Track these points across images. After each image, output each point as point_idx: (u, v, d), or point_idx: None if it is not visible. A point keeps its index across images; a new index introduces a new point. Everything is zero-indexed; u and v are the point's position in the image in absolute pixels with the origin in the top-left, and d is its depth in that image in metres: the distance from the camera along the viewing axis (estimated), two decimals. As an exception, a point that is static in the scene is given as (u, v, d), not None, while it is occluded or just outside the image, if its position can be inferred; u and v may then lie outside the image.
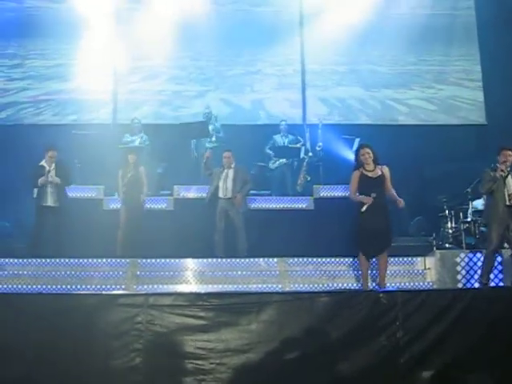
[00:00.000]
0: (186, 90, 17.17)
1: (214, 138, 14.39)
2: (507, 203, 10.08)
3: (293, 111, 16.91)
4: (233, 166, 12.33)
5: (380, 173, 10.06)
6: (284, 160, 14.54)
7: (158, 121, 16.41)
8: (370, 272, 10.41)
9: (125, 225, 12.15)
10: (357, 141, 14.38)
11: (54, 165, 12.08)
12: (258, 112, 17.11)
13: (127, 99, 16.86)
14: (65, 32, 16.65)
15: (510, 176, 10.23)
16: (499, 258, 10.59)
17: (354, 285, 10.89)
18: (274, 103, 17.08)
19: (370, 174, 10.04)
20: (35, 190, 12.20)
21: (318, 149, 14.66)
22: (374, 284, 10.42)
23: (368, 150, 10.09)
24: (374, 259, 10.36)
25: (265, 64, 17.46)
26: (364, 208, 9.87)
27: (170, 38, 16.48)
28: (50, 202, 11.88)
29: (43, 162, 12.08)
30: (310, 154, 14.55)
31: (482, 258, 10.61)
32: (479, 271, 10.58)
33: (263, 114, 17.02)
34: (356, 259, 10.91)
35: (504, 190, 10.13)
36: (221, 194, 12.18)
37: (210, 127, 14.39)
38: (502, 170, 10.13)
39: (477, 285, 10.48)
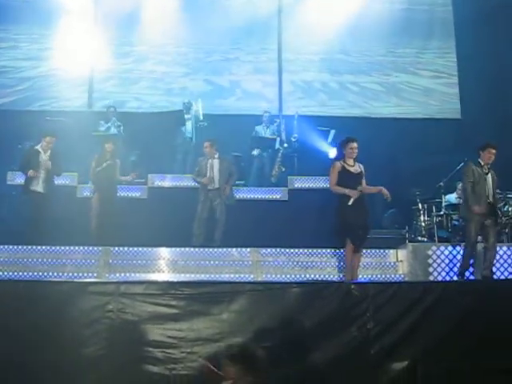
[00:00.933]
0: (165, 78, 17.11)
1: (190, 129, 14.34)
2: (489, 200, 10.16)
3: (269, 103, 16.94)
4: (216, 156, 12.24)
5: (359, 169, 10.08)
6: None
7: (134, 109, 16.33)
8: (338, 264, 10.47)
9: (98, 213, 12.09)
10: (332, 132, 14.44)
11: (49, 151, 11.89)
12: (234, 93, 17.18)
13: (103, 86, 16.78)
14: (41, 18, 16.55)
15: (490, 174, 10.30)
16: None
17: (326, 276, 10.92)
18: (250, 89, 17.11)
19: (351, 169, 10.02)
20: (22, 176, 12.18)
21: (293, 140, 14.67)
22: (341, 275, 10.49)
23: (356, 145, 10.08)
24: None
25: (242, 52, 17.45)
26: (351, 202, 9.84)
27: (151, 25, 16.46)
28: (39, 187, 11.69)
29: (38, 147, 11.91)
30: (286, 145, 14.55)
31: (454, 252, 10.71)
32: (451, 264, 10.67)
33: (241, 101, 17.04)
34: (328, 250, 10.95)
35: (485, 186, 10.19)
36: (208, 185, 12.09)
37: (188, 116, 14.33)
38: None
39: (448, 278, 10.55)
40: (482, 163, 10.30)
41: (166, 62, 17.19)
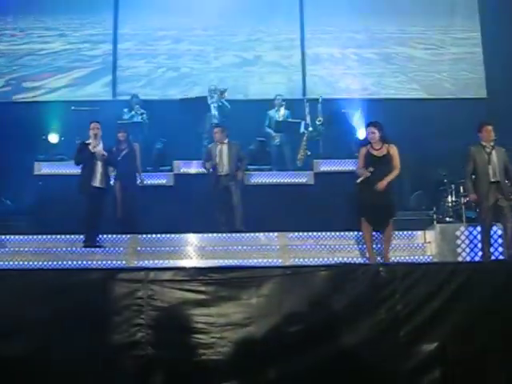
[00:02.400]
0: (186, 66, 17.10)
1: (216, 115, 14.34)
2: (491, 180, 10.10)
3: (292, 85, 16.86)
4: (226, 141, 12.28)
5: (385, 152, 10.05)
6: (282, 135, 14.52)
7: (159, 96, 16.36)
8: (365, 246, 10.46)
9: (121, 201, 12.15)
10: (357, 114, 14.37)
11: (101, 143, 11.59)
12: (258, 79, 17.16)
13: (127, 75, 16.82)
14: (63, 7, 16.64)
15: (494, 152, 10.24)
16: (499, 232, 10.60)
17: (354, 259, 10.92)
18: (272, 78, 17.02)
19: (375, 153, 10.06)
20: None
21: (317, 123, 14.61)
22: (378, 258, 10.46)
23: (373, 129, 10.09)
24: (378, 233, 10.39)
25: (265, 40, 17.39)
26: (359, 180, 9.93)
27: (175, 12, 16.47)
28: (98, 182, 11.41)
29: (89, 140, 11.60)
30: (310, 128, 14.50)
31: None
32: (479, 245, 10.62)
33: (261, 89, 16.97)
34: (356, 233, 10.95)
35: (488, 166, 10.14)
36: (218, 171, 12.14)
37: (214, 104, 14.34)
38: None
39: (477, 258, 10.50)
40: (484, 144, 10.27)
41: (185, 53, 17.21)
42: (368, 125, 10.36)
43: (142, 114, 14.25)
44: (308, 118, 14.65)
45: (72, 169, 12.88)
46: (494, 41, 16.86)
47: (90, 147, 11.41)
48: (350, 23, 17.13)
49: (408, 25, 17.51)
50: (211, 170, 12.16)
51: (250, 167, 13.38)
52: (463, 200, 12.27)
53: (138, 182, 12.55)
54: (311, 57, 17.27)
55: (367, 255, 10.48)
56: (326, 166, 13.78)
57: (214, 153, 12.21)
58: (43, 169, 13.63)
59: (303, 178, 13.69)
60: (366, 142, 10.40)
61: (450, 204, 12.72)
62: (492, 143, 10.30)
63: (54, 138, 14.52)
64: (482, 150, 10.28)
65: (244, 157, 12.42)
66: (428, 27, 17.57)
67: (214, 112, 14.32)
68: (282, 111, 14.75)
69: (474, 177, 10.42)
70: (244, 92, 16.85)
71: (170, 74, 17.03)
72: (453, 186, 12.72)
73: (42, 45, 17.12)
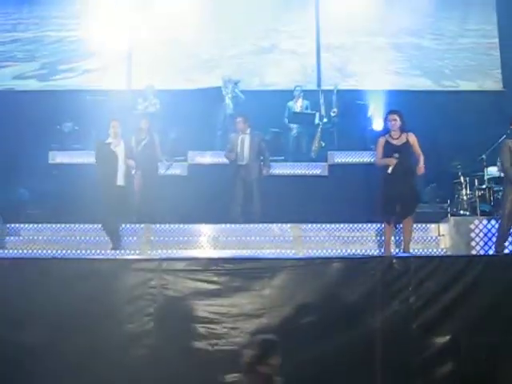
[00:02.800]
0: (200, 57, 17.06)
1: (230, 105, 14.34)
2: None
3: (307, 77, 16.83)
4: (248, 131, 12.27)
5: (405, 140, 10.04)
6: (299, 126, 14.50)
7: (173, 86, 16.33)
8: (379, 238, 10.44)
9: (139, 190, 12.17)
10: (372, 106, 14.34)
11: (122, 142, 11.25)
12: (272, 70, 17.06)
13: (142, 65, 16.80)
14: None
15: None
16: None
17: (368, 250, 10.90)
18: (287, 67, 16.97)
19: (394, 142, 10.03)
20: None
21: (332, 114, 14.59)
22: (397, 250, 10.45)
23: (395, 117, 10.07)
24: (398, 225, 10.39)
25: (281, 30, 17.34)
26: (390, 169, 9.86)
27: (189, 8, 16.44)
28: (121, 181, 11.05)
29: (110, 139, 11.23)
30: (325, 119, 14.48)
31: (496, 226, 10.58)
32: (494, 238, 10.56)
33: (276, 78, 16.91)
34: (369, 225, 10.94)
35: None
36: (238, 161, 12.13)
37: (229, 95, 14.34)
38: None
39: (491, 252, 10.46)
40: None
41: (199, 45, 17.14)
42: (389, 112, 10.28)
43: (155, 103, 14.24)
44: (323, 109, 14.63)
45: (86, 158, 12.96)
46: (510, 32, 16.74)
47: (112, 147, 11.11)
48: (364, 13, 17.02)
49: (423, 15, 17.37)
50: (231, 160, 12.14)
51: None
52: (478, 193, 12.21)
53: (164, 169, 12.61)
54: (326, 46, 17.17)
55: (383, 247, 10.44)
56: (340, 158, 13.76)
57: (235, 142, 12.19)
58: (58, 158, 13.68)
59: (317, 169, 13.68)
60: (384, 132, 10.36)
61: (464, 197, 12.66)
62: None
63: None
64: None
65: (265, 149, 12.35)
66: (441, 18, 17.46)
67: (228, 102, 14.32)
68: (300, 102, 14.74)
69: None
70: (260, 81, 16.77)
71: (186, 62, 16.96)
72: (467, 178, 12.65)
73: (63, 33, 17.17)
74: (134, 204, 12.07)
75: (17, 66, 16.93)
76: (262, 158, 12.20)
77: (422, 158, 10.02)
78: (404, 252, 10.01)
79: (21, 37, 17.21)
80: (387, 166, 9.89)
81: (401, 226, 10.35)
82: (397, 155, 9.84)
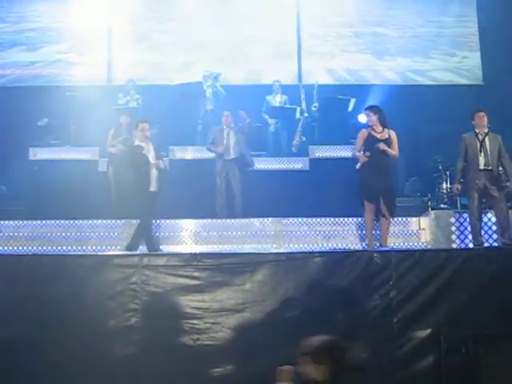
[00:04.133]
0: (178, 53, 16.99)
1: (212, 100, 14.30)
2: (480, 167, 10.05)
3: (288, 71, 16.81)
4: (233, 125, 12.26)
5: (387, 136, 10.10)
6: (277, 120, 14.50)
7: (153, 82, 16.28)
8: (360, 232, 10.48)
9: (115, 186, 12.13)
10: (352, 101, 14.34)
11: (150, 143, 10.81)
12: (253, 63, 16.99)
13: (122, 60, 16.72)
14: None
15: (487, 139, 10.20)
16: (494, 219, 10.60)
17: (349, 245, 10.92)
18: (269, 63, 16.94)
19: (377, 136, 10.08)
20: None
21: (313, 109, 14.59)
22: (378, 244, 10.48)
23: (368, 112, 10.26)
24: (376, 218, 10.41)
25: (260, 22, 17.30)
26: (358, 165, 9.96)
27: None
28: (154, 187, 10.62)
29: (137, 141, 10.78)
30: (306, 114, 14.48)
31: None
32: (474, 232, 10.64)
33: (261, 71, 16.86)
34: (350, 219, 10.97)
35: (480, 153, 10.10)
36: (225, 156, 12.09)
37: (209, 89, 14.31)
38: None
39: (471, 245, 10.52)
40: (477, 131, 10.25)
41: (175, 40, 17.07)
42: (365, 109, 10.46)
43: (137, 99, 14.20)
44: (304, 104, 14.63)
45: (68, 153, 12.93)
46: (490, 27, 16.80)
47: (145, 152, 10.61)
48: (343, 5, 17.04)
49: (402, 8, 17.42)
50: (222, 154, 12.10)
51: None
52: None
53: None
54: (307, 39, 17.16)
55: (365, 241, 10.47)
56: (321, 152, 13.74)
57: (219, 136, 12.17)
58: (38, 154, 13.60)
59: (298, 163, 13.66)
60: (367, 125, 10.42)
61: (444, 190, 12.71)
62: (485, 130, 10.25)
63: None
64: (474, 138, 10.25)
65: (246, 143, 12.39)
66: (424, 11, 17.52)
67: (209, 97, 14.29)
68: (279, 97, 14.73)
69: (465, 164, 10.38)
70: (240, 76, 16.73)
71: (165, 58, 16.90)
72: (448, 172, 12.68)
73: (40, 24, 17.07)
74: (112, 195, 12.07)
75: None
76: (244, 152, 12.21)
77: (393, 152, 10.10)
78: (381, 246, 10.04)
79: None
80: (368, 158, 9.96)
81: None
82: (368, 153, 9.93)
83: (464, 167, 10.28)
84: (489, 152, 10.06)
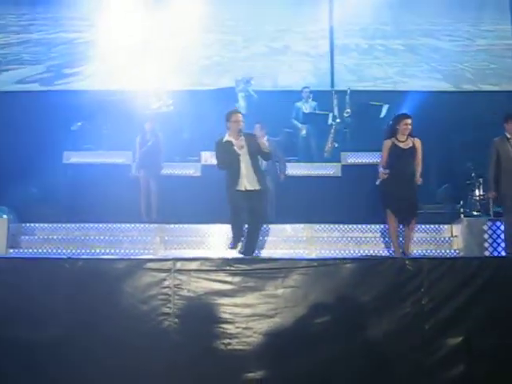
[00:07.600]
0: (214, 58, 17.08)
1: (244, 104, 14.35)
2: None
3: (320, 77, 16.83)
4: (265, 139, 12.18)
5: (411, 144, 10.07)
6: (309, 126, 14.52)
7: (187, 87, 16.37)
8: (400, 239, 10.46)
9: (146, 191, 12.27)
10: (385, 107, 14.33)
11: (242, 137, 9.77)
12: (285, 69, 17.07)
13: (157, 66, 16.83)
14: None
15: None
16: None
17: (381, 251, 10.94)
18: (300, 68, 16.97)
19: (401, 145, 10.06)
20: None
21: (345, 115, 14.60)
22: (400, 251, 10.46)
23: (410, 122, 10.10)
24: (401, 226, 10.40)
25: (294, 30, 17.34)
26: (377, 182, 10.01)
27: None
28: (242, 186, 9.88)
29: (227, 136, 9.91)
30: (338, 120, 14.49)
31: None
32: (506, 240, 10.57)
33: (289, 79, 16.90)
34: (382, 226, 10.96)
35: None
36: None
37: (241, 94, 14.37)
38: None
39: (503, 253, 10.46)
40: (509, 136, 10.18)
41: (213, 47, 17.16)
42: (404, 116, 10.29)
43: (169, 104, 14.30)
44: (336, 110, 14.64)
45: (101, 157, 13.06)
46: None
47: (236, 149, 9.75)
48: (379, 15, 17.02)
49: (436, 17, 17.35)
50: None
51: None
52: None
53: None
54: (340, 47, 17.17)
55: (394, 248, 10.47)
56: (353, 159, 13.76)
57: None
58: (72, 157, 13.75)
59: (330, 169, 13.68)
60: (390, 134, 10.35)
61: (477, 198, 12.65)
62: None
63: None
64: (506, 142, 10.18)
65: (281, 157, 12.43)
66: (456, 19, 17.42)
67: (242, 102, 14.35)
68: (310, 103, 14.76)
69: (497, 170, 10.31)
70: (273, 82, 16.79)
71: (200, 63, 16.99)
72: (480, 179, 12.63)
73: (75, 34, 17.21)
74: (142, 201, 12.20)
75: (23, 69, 16.97)
76: (277, 164, 12.23)
77: (419, 169, 10.08)
78: (404, 253, 10.02)
79: (30, 38, 17.26)
80: (392, 168, 9.96)
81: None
82: (387, 171, 9.97)
83: (497, 173, 10.23)
84: None
